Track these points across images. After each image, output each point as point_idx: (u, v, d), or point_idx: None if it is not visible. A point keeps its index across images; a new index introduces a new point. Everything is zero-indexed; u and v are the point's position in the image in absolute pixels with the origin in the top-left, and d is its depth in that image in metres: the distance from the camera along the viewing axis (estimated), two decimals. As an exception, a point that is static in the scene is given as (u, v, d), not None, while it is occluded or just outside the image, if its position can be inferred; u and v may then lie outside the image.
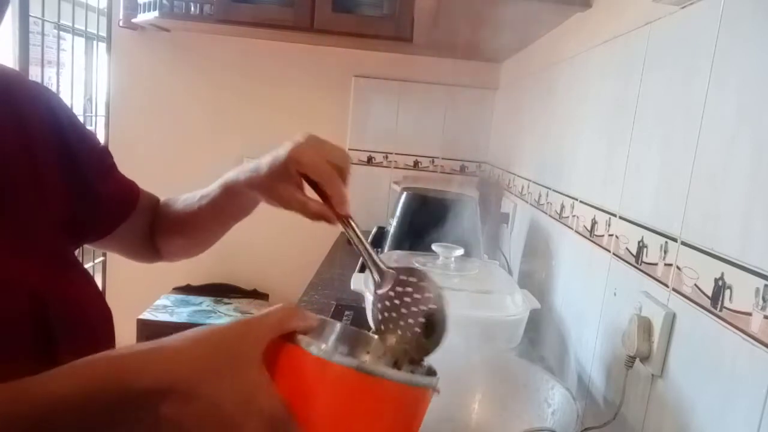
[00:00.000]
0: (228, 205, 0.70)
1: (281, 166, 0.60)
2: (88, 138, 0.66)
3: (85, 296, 0.60)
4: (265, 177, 0.62)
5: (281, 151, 0.61)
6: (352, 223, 0.59)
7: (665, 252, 0.72)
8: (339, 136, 2.38)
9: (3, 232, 0.54)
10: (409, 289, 0.55)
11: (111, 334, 0.63)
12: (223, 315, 2.28)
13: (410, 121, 2.38)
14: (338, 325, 0.51)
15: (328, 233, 2.33)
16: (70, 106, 0.69)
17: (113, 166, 0.71)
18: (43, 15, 2.26)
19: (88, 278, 0.64)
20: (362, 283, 0.97)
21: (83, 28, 2.56)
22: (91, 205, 0.64)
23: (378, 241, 1.42)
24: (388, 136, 2.39)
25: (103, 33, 2.53)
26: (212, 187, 0.70)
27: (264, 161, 0.63)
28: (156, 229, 0.77)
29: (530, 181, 1.52)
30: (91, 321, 0.59)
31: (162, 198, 0.80)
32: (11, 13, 2.12)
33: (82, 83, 2.69)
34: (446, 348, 0.75)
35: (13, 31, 2.11)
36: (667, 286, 0.70)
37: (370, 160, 2.41)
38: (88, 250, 2.74)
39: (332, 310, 1.44)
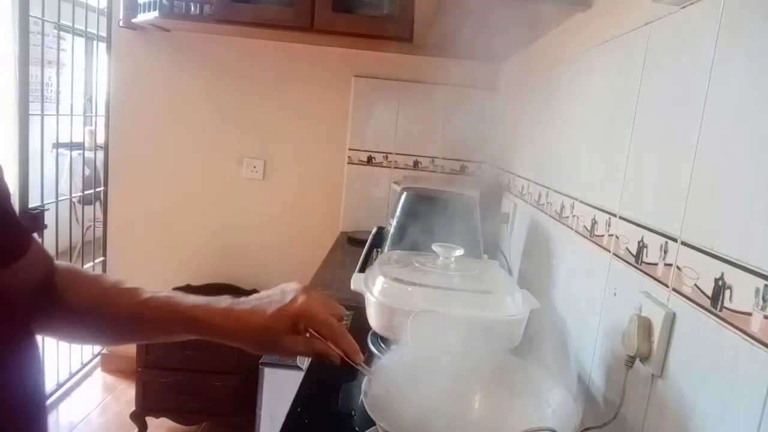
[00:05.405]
0: (183, 333, 0.69)
1: (288, 320, 0.66)
2: None
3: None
4: (267, 332, 0.66)
5: (281, 307, 0.67)
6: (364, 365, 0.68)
7: (665, 252, 0.72)
8: (339, 136, 2.38)
9: None
10: None
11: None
12: (223, 315, 2.27)
13: (410, 121, 2.38)
14: None
15: (327, 234, 2.33)
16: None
17: (9, 198, 0.57)
18: (43, 15, 2.26)
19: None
20: (362, 283, 0.97)
21: (83, 28, 2.56)
22: None
23: (378, 241, 1.42)
24: (388, 136, 2.39)
25: (103, 33, 2.53)
26: (176, 302, 0.68)
27: (258, 318, 0.67)
28: (43, 296, 0.63)
29: (530, 181, 1.52)
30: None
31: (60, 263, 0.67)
32: (11, 13, 2.12)
33: (82, 83, 2.69)
34: (447, 348, 0.75)
35: (13, 31, 2.11)
36: (667, 286, 0.70)
37: (370, 160, 2.41)
38: (88, 249, 2.75)
39: (332, 310, 1.43)
